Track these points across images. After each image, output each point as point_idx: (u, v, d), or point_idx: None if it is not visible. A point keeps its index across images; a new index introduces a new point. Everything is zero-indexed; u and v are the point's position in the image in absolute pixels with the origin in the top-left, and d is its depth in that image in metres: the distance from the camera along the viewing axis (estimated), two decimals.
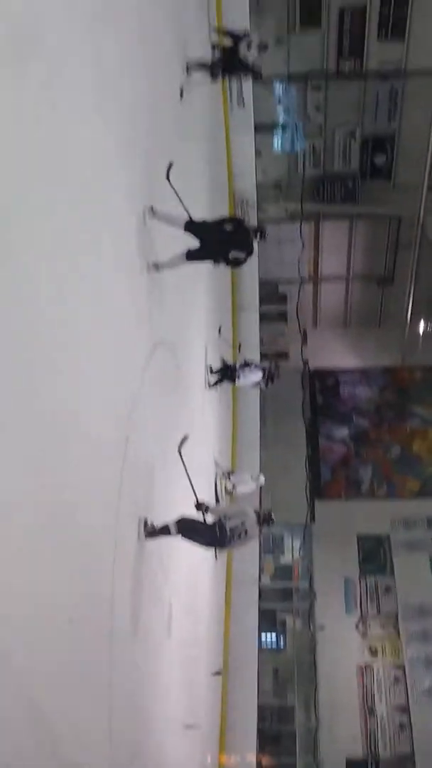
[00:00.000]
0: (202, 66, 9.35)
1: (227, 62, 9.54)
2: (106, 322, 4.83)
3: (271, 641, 16.88)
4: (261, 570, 15.78)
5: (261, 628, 15.05)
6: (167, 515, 6.03)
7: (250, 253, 6.92)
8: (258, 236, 7.28)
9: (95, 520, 4.53)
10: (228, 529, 5.94)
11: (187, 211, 6.36)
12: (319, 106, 17.15)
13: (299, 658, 16.16)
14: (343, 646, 15.92)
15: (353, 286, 19.90)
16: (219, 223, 6.80)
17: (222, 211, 13.48)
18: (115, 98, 5.13)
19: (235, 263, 7.05)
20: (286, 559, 17.88)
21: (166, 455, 6.48)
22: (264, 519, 6.20)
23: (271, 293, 18.37)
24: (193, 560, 8.56)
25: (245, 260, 6.98)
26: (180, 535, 5.96)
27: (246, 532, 6.00)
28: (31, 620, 3.37)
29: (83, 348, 4.28)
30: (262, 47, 10.50)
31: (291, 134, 17.79)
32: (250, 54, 10.11)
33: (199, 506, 6.07)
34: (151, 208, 6.09)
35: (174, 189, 5.98)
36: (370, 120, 17.33)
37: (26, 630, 3.31)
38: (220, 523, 5.99)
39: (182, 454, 6.20)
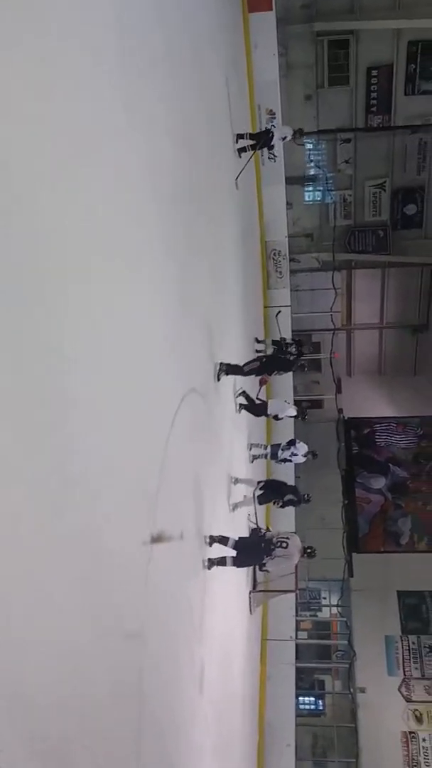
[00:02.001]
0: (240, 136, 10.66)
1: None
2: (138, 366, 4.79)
3: (310, 705, 16.15)
4: (298, 627, 15.20)
5: (298, 691, 14.40)
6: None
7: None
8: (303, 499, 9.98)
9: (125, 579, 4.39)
10: (274, 540, 6.98)
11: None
12: (349, 159, 17.46)
13: (339, 722, 15.35)
14: (386, 710, 15.03)
15: (387, 334, 19.78)
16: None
17: (254, 262, 13.61)
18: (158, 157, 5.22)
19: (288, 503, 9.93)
20: (324, 615, 17.26)
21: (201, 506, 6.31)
22: (306, 549, 7.14)
23: (304, 342, 18.30)
24: (227, 615, 8.26)
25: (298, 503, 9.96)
26: (234, 546, 6.97)
27: (286, 545, 6.92)
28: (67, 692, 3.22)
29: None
30: (298, 133, 11.36)
31: (322, 186, 18.09)
32: (284, 142, 11.10)
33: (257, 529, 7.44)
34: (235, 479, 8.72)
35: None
36: (399, 171, 17.56)
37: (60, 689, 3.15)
38: (268, 536, 7.15)
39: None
